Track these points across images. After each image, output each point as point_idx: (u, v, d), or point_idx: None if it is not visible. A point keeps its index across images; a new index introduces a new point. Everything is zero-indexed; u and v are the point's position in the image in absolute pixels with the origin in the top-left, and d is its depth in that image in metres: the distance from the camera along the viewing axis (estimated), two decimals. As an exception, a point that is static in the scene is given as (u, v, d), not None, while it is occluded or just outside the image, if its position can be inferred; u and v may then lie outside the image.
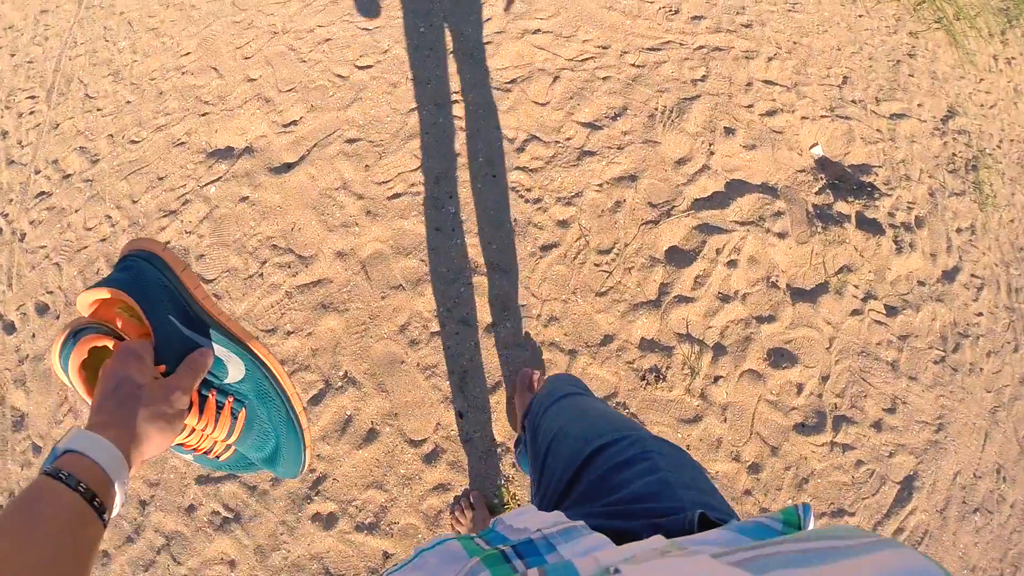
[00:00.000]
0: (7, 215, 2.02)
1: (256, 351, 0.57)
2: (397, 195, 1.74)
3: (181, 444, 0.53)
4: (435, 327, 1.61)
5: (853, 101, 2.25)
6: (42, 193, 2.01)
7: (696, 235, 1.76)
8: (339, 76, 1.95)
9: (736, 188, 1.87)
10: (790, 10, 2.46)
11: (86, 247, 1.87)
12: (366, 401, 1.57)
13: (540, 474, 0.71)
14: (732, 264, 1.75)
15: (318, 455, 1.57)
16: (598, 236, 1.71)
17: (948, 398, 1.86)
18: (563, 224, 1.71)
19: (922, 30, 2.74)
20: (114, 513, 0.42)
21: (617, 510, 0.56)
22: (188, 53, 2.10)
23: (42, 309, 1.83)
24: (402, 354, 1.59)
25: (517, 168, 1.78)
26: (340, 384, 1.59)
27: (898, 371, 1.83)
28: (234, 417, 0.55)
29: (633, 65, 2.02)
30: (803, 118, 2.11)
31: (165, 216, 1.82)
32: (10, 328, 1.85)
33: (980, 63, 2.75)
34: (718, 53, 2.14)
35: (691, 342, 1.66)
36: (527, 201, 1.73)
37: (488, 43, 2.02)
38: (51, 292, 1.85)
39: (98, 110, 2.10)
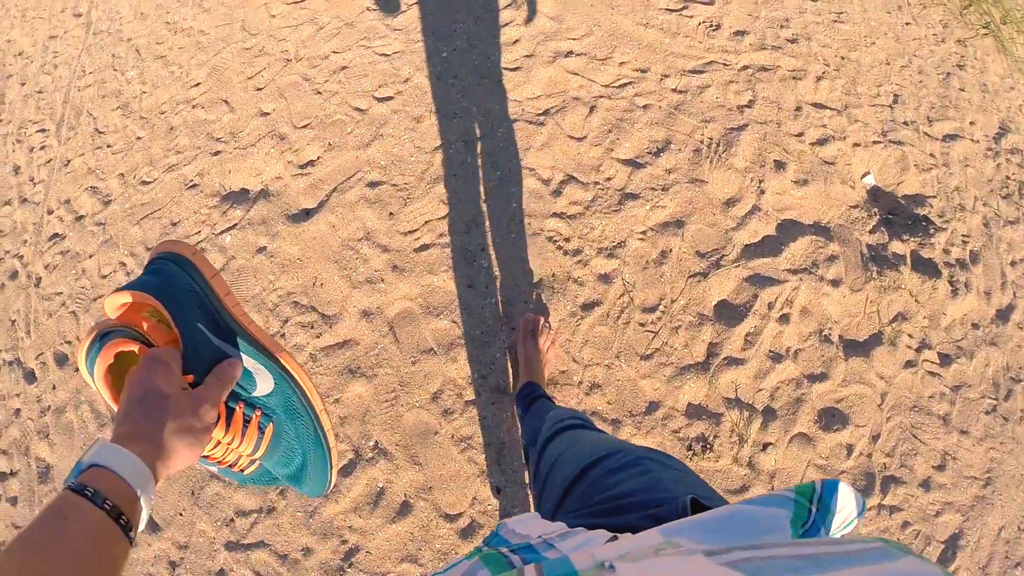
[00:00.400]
0: (22, 257, 1.75)
1: (286, 364, 0.50)
2: (425, 247, 1.45)
3: (206, 456, 0.46)
4: (469, 395, 1.35)
5: (905, 123, 1.88)
6: (55, 235, 1.73)
7: (747, 288, 1.46)
8: (357, 109, 1.62)
9: (788, 230, 1.55)
10: (836, 20, 2.04)
11: (102, 296, 1.60)
12: (398, 474, 1.33)
13: (540, 496, 0.68)
14: (784, 319, 1.46)
15: (350, 526, 1.35)
16: (643, 292, 1.41)
17: (998, 450, 1.59)
18: (605, 279, 1.41)
19: (970, 37, 2.31)
20: (140, 529, 0.37)
21: (611, 506, 0.52)
22: (198, 84, 1.77)
23: (61, 360, 1.59)
24: (435, 424, 1.34)
25: (554, 215, 1.47)
26: (371, 455, 1.34)
27: (949, 425, 1.55)
28: (261, 432, 0.48)
29: (675, 90, 1.66)
30: (855, 145, 1.75)
31: (181, 266, 1.54)
32: (30, 377, 1.61)
33: (1028, 71, 2.33)
34: (764, 74, 1.77)
35: (740, 407, 1.39)
36: (566, 253, 1.43)
37: (517, 69, 1.66)
38: (69, 342, 1.60)
39: (108, 146, 1.79)
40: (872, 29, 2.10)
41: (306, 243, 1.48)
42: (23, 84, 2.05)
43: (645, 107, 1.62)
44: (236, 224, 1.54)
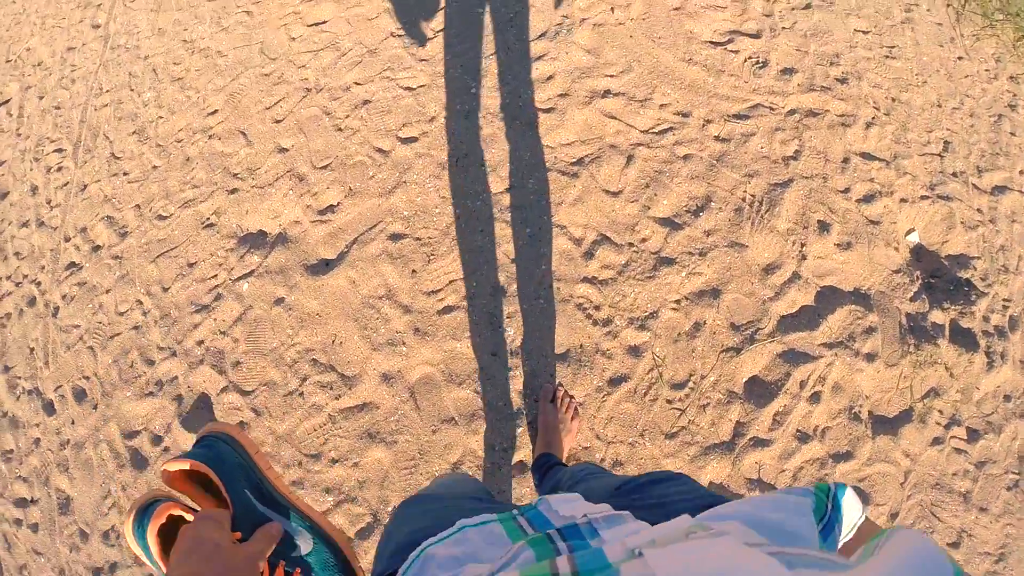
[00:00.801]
0: (39, 283, 1.59)
1: (322, 527, 0.51)
2: (448, 309, 1.27)
3: None
4: (489, 468, 1.21)
5: (954, 174, 1.63)
6: (72, 264, 1.56)
7: (780, 364, 1.28)
8: (380, 151, 1.40)
9: (827, 299, 1.35)
10: (887, 56, 1.75)
11: (119, 334, 1.46)
12: (416, 541, 1.22)
13: None
14: (815, 397, 1.29)
15: (367, 585, 1.25)
16: (673, 366, 1.24)
17: (1015, 526, 1.45)
18: (634, 352, 1.24)
19: (1022, 73, 2.01)
20: None
21: (653, 504, 0.46)
22: (215, 111, 1.54)
23: (79, 395, 1.46)
24: (454, 495, 1.21)
25: (584, 280, 1.28)
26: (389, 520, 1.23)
27: (969, 502, 1.41)
28: None
29: (717, 138, 1.43)
30: (902, 201, 1.52)
31: (197, 311, 1.38)
32: (49, 408, 1.49)
33: (1080, 111, 2.03)
34: (812, 120, 1.52)
35: (761, 487, 1.25)
36: (595, 323, 1.25)
37: (551, 110, 1.42)
38: (87, 377, 1.47)
39: (124, 174, 1.59)
40: (924, 66, 1.81)
41: (325, 298, 1.31)
42: (41, 98, 1.83)
43: (686, 158, 1.39)
44: (253, 271, 1.37)
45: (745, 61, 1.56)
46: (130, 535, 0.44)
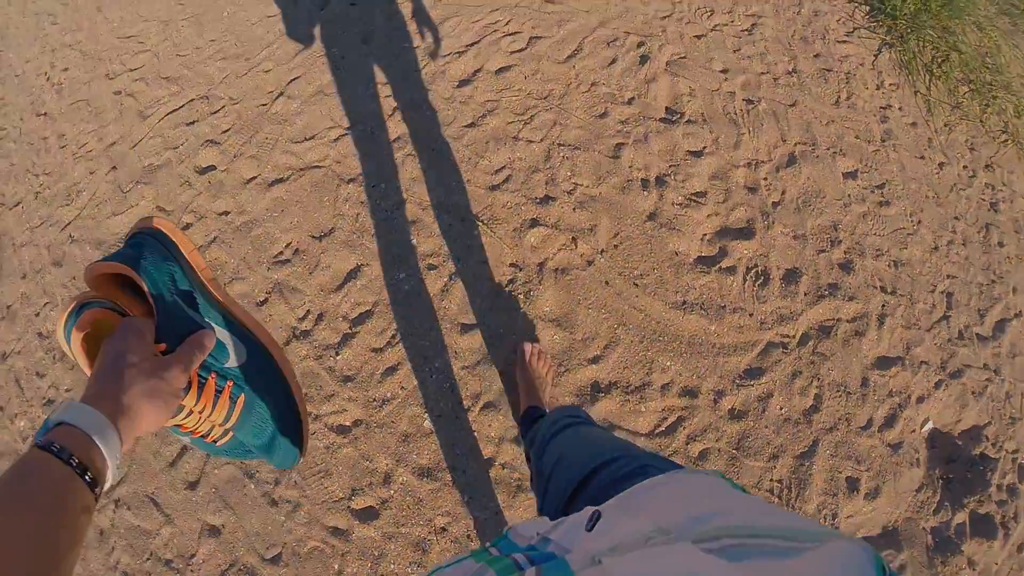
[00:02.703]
0: None
1: (259, 336, 0.37)
2: None
3: (179, 425, 0.34)
4: None
5: (960, 333, 1.21)
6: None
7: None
8: (335, 532, 0.88)
9: (864, 563, 0.99)
10: (880, 203, 1.24)
11: None
12: None
13: (543, 499, 0.51)
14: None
15: None
16: None
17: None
18: None
19: (994, 153, 1.49)
20: (106, 487, 0.27)
21: None
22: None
23: None
24: None
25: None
26: None
27: (985, 659, 1.19)
28: (232, 401, 0.35)
29: (733, 416, 0.95)
30: (918, 401, 1.11)
31: None
32: None
33: (1044, 175, 1.57)
34: (826, 342, 1.04)
35: None
36: None
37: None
38: None
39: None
40: (913, 195, 1.30)
41: None
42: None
43: (703, 456, 0.91)
44: None
45: (744, 280, 1.02)
46: (62, 338, 0.33)
